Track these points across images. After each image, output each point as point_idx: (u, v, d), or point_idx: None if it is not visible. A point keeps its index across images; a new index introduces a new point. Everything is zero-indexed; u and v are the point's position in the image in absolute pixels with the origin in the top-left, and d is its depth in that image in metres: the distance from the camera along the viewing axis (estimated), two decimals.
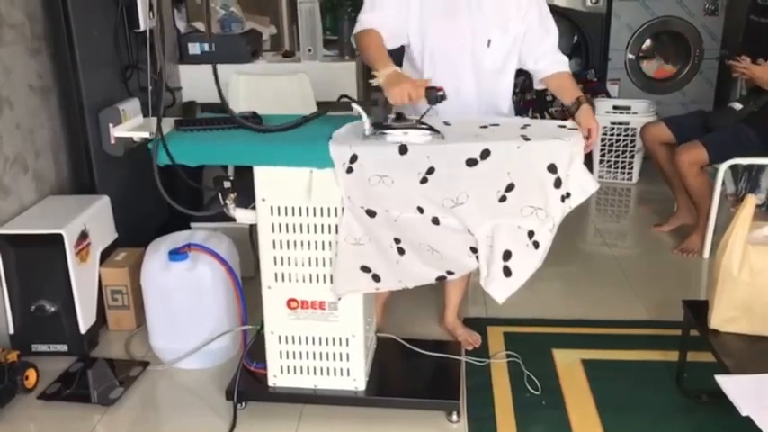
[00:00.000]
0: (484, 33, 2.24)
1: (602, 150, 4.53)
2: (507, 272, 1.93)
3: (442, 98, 2.00)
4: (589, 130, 2.06)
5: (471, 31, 2.23)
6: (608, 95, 4.94)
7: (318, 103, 3.73)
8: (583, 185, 1.94)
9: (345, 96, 2.06)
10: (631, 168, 4.53)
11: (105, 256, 2.76)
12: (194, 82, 4.00)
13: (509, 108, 2.41)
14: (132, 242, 2.87)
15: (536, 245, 1.92)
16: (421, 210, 1.91)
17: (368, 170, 1.89)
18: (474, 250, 1.95)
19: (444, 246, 1.95)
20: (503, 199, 1.89)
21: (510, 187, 1.88)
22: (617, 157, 4.53)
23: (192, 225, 2.95)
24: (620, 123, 4.48)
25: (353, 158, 1.89)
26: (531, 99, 5.06)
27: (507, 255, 1.92)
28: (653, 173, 4.00)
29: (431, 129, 1.94)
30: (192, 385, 2.41)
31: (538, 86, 2.40)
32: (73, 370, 2.47)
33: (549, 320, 2.78)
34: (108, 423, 2.22)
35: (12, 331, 2.53)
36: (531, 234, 1.91)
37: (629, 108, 4.54)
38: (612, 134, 4.49)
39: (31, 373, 2.35)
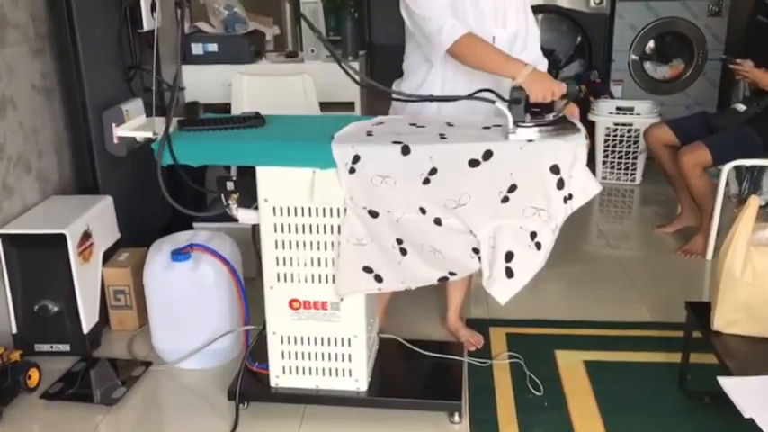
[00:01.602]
0: (488, 31, 2.24)
1: (605, 151, 4.52)
2: (509, 273, 1.93)
3: (580, 93, 1.99)
4: (572, 114, 2.09)
5: (476, 29, 2.21)
6: (611, 96, 4.93)
7: (321, 104, 3.75)
8: (585, 187, 1.93)
9: (489, 90, 1.95)
10: (634, 169, 4.52)
11: (108, 256, 2.76)
12: (197, 82, 4.00)
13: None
14: (135, 242, 2.87)
15: (538, 246, 1.92)
16: (423, 210, 1.91)
17: (370, 170, 1.89)
18: (476, 251, 1.95)
19: (446, 247, 1.95)
20: (505, 200, 1.89)
21: (512, 188, 1.88)
22: (620, 158, 4.52)
23: (195, 225, 2.96)
24: (623, 124, 4.47)
25: (356, 159, 1.89)
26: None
27: (509, 256, 1.92)
28: (656, 174, 4.00)
29: (568, 122, 1.96)
30: (195, 385, 2.41)
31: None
32: (75, 370, 2.47)
33: (552, 321, 2.78)
34: (110, 423, 2.22)
35: (15, 331, 2.54)
36: (533, 235, 1.91)
37: (632, 109, 4.53)
38: (616, 135, 4.48)
39: (34, 373, 2.35)
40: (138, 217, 3.06)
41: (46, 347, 2.55)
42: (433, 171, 1.88)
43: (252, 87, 3.64)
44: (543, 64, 2.38)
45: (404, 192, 1.90)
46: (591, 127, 4.44)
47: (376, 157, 1.89)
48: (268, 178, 2.01)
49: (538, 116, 1.97)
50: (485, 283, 1.96)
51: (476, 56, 2.12)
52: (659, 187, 4.17)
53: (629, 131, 4.45)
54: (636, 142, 4.42)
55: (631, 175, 4.54)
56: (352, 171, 1.90)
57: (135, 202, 3.07)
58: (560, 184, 1.87)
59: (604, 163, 4.55)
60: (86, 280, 2.58)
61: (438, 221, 1.92)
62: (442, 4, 2.16)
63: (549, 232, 1.91)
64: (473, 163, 1.87)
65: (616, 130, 4.48)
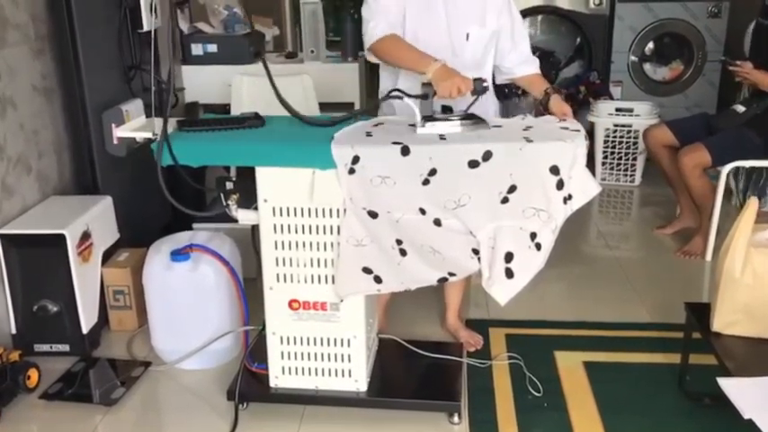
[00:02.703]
0: (462, 27, 2.29)
1: (604, 152, 4.53)
2: (509, 273, 1.93)
3: (486, 89, 2.09)
4: (561, 111, 2.20)
5: (448, 25, 2.29)
6: (611, 97, 4.94)
7: (321, 105, 3.75)
8: (585, 188, 1.93)
9: (397, 90, 2.09)
10: (634, 170, 4.52)
11: (107, 256, 2.76)
12: (197, 83, 4.01)
13: (493, 101, 2.47)
14: (134, 243, 2.87)
15: (538, 246, 1.92)
16: (423, 211, 1.91)
17: (370, 171, 1.89)
18: (476, 252, 1.95)
19: (446, 247, 1.95)
20: (505, 200, 1.89)
21: (512, 189, 1.88)
22: (619, 159, 4.52)
23: (195, 226, 2.96)
24: (622, 125, 4.47)
25: (356, 159, 1.89)
26: (533, 100, 5.07)
27: (509, 256, 1.92)
28: (655, 175, 4.01)
29: (476, 118, 2.03)
30: (194, 386, 2.41)
31: (500, 81, 2.50)
32: (75, 370, 2.47)
33: (551, 322, 2.78)
34: (110, 423, 2.22)
35: (14, 331, 2.54)
36: (533, 236, 1.91)
37: (631, 110, 4.54)
38: (615, 136, 4.48)
39: (33, 373, 2.35)
40: (137, 217, 3.06)
41: (45, 348, 2.55)
42: (433, 172, 1.88)
43: (251, 88, 3.64)
44: (534, 64, 2.42)
45: (403, 192, 1.90)
46: (591, 128, 4.46)
47: (376, 157, 1.89)
48: (268, 179, 2.01)
49: (447, 111, 2.06)
50: (484, 283, 1.96)
51: (391, 54, 2.22)
52: (658, 188, 4.18)
53: (628, 132, 4.45)
54: (635, 143, 4.43)
55: (631, 176, 4.54)
56: (351, 171, 1.90)
57: (134, 203, 3.07)
58: (560, 185, 1.88)
59: (604, 164, 4.56)
60: (86, 280, 2.58)
61: (438, 222, 1.92)
62: (388, 5, 2.22)
63: (548, 233, 1.91)
64: (473, 164, 1.87)
65: (615, 131, 4.48)
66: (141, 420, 2.26)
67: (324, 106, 3.81)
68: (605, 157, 4.54)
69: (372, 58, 2.32)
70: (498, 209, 1.90)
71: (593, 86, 5.02)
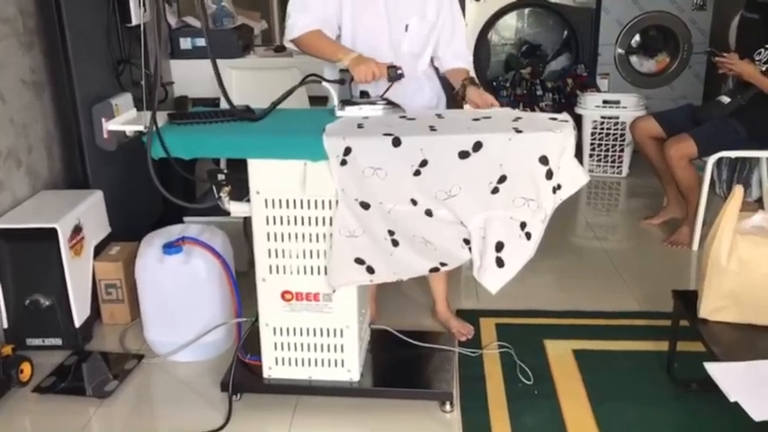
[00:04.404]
0: (402, 19, 2.37)
1: (591, 144, 4.57)
2: (500, 263, 1.95)
3: (401, 76, 2.23)
4: (484, 101, 2.26)
5: (388, 16, 2.36)
6: (598, 90, 4.97)
7: (311, 98, 3.75)
8: (574, 177, 1.96)
9: (314, 75, 2.24)
10: (621, 162, 4.57)
11: (99, 250, 2.77)
12: (186, 77, 3.99)
13: (436, 92, 2.54)
14: (126, 237, 2.87)
15: (528, 236, 1.94)
16: (414, 202, 1.93)
17: (362, 162, 1.91)
18: (467, 242, 1.97)
19: (437, 238, 1.97)
20: (495, 191, 1.91)
21: (502, 179, 1.90)
22: (607, 150, 4.57)
23: (186, 219, 2.97)
24: (609, 117, 4.51)
25: (347, 151, 1.91)
26: (521, 93, 5.10)
27: (500, 246, 1.94)
28: (642, 166, 4.05)
29: (390, 103, 2.17)
30: (187, 378, 2.42)
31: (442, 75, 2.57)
32: (68, 363, 2.47)
33: (541, 312, 2.81)
34: (103, 416, 2.23)
35: (6, 325, 2.54)
36: (523, 225, 1.93)
37: (618, 102, 4.58)
38: (602, 128, 4.52)
39: (26, 367, 2.35)
40: (128, 211, 3.06)
41: (37, 342, 2.55)
42: (424, 163, 1.89)
43: (241, 82, 3.64)
44: (464, 59, 2.49)
45: (395, 183, 1.91)
46: (578, 120, 4.49)
47: (367, 149, 1.91)
48: (260, 171, 2.02)
49: (365, 96, 2.20)
50: (476, 273, 1.98)
51: (311, 47, 2.34)
52: (646, 180, 4.23)
53: (615, 124, 4.50)
54: (622, 135, 4.47)
55: (618, 167, 4.59)
56: (343, 163, 1.92)
57: (125, 197, 3.07)
58: (549, 175, 1.90)
59: (591, 156, 4.60)
60: (78, 274, 2.58)
61: (429, 213, 1.94)
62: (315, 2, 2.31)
63: (538, 222, 1.93)
64: (463, 154, 1.89)
65: (603, 123, 4.53)
66: (135, 413, 2.27)
67: (314, 100, 3.82)
68: (593, 149, 4.58)
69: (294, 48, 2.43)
70: (489, 199, 1.91)
71: (581, 79, 5.05)
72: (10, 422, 2.20)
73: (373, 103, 2.18)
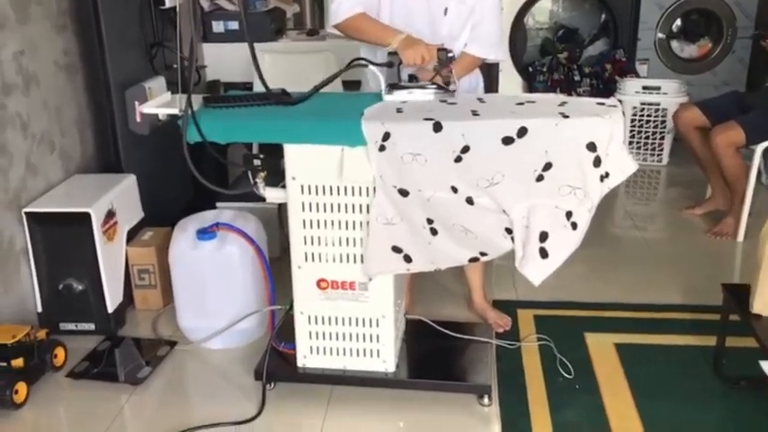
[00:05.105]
0: (441, 2, 2.32)
1: (631, 131, 4.44)
2: (544, 253, 1.88)
3: (452, 59, 2.14)
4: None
5: (428, 1, 2.31)
6: (637, 76, 4.84)
7: (344, 83, 3.69)
8: (622, 165, 1.88)
9: (360, 59, 2.17)
10: (661, 150, 4.44)
11: (132, 235, 2.75)
12: (218, 61, 3.96)
13: (474, 75, 2.47)
14: (158, 221, 2.85)
15: (574, 226, 1.86)
16: (455, 189, 1.87)
17: (401, 148, 1.84)
18: (509, 231, 1.90)
19: (478, 226, 1.91)
20: (540, 178, 1.83)
21: (547, 166, 1.82)
22: (647, 138, 4.44)
23: (218, 205, 2.94)
24: (650, 104, 4.38)
25: (386, 136, 1.84)
26: (558, 78, 4.99)
27: (544, 236, 1.87)
28: (683, 154, 3.92)
29: (441, 87, 2.08)
30: (220, 365, 2.39)
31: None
32: (101, 349, 2.46)
33: (580, 304, 2.73)
34: (135, 404, 2.21)
35: (40, 309, 2.53)
36: (569, 215, 1.86)
37: (659, 88, 4.44)
38: (642, 115, 4.39)
39: (60, 352, 2.34)
40: (161, 196, 3.04)
41: (71, 326, 2.54)
42: (466, 149, 1.83)
43: (274, 65, 3.59)
44: (486, 48, 2.38)
45: (435, 170, 1.85)
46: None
47: (407, 134, 1.85)
48: (296, 156, 1.97)
49: (414, 81, 2.13)
50: (518, 263, 1.91)
51: (357, 29, 2.28)
52: (686, 168, 4.11)
53: (656, 111, 4.37)
54: (663, 122, 4.34)
55: (658, 155, 4.46)
56: (382, 149, 1.86)
57: (158, 181, 3.05)
58: (597, 162, 1.82)
59: (631, 143, 4.47)
60: (111, 259, 2.56)
61: (470, 201, 1.87)
62: None
63: (585, 212, 1.86)
64: (507, 140, 1.81)
65: (643, 109, 4.40)
66: (167, 401, 2.24)
67: (347, 84, 3.77)
68: (632, 137, 4.45)
69: (337, 33, 2.36)
70: (533, 187, 1.84)
71: (619, 64, 4.93)
72: (43, 407, 2.19)
73: (423, 86, 2.09)
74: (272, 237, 2.73)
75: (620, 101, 4.27)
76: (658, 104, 4.35)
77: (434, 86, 2.09)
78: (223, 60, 3.93)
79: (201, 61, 3.93)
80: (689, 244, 3.36)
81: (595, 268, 3.08)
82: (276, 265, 2.46)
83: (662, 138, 4.40)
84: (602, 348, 2.43)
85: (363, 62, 2.18)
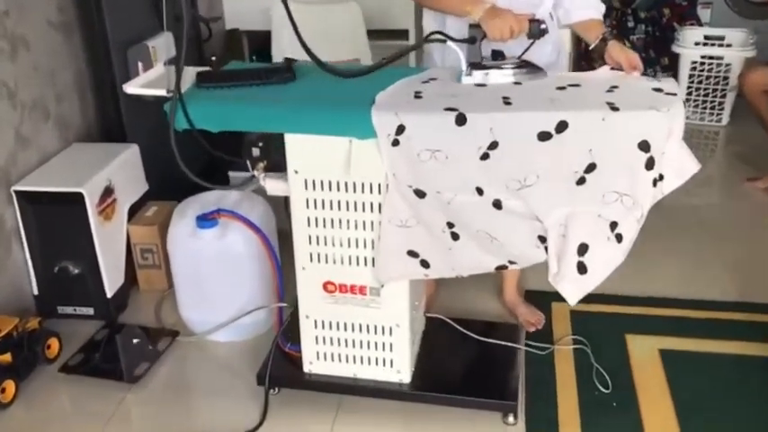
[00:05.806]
0: None
1: (689, 88, 4.03)
2: (582, 268, 1.62)
3: (545, 32, 1.81)
4: (628, 61, 1.78)
5: None
6: (698, 23, 4.38)
7: (369, 32, 3.39)
8: (680, 167, 1.59)
9: (438, 33, 1.82)
10: (722, 109, 4.03)
11: (135, 209, 2.55)
12: (237, 8, 3.70)
13: (557, 46, 2.12)
14: (165, 194, 2.64)
15: (619, 238, 1.59)
16: (480, 191, 1.60)
17: (417, 143, 1.57)
18: (542, 240, 1.64)
19: (507, 234, 1.65)
20: (581, 181, 1.56)
21: (591, 167, 1.54)
22: (705, 95, 4.03)
23: (231, 174, 2.71)
24: (711, 57, 3.96)
25: (400, 129, 1.57)
26: (609, 24, 4.56)
27: (583, 248, 1.60)
28: (746, 115, 3.53)
29: (526, 65, 1.77)
30: (223, 361, 2.22)
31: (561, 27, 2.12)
32: (98, 338, 2.29)
33: (623, 297, 2.45)
34: (133, 402, 2.05)
35: (36, 292, 2.37)
36: (613, 225, 1.58)
37: (722, 38, 4.01)
38: (703, 70, 3.97)
39: (54, 342, 2.19)
40: (168, 166, 2.79)
41: (69, 310, 2.39)
42: (494, 145, 1.55)
43: (296, 16, 3.29)
44: (596, 8, 1.99)
45: (457, 169, 1.58)
46: (674, 59, 3.97)
47: (424, 127, 1.57)
48: (298, 147, 1.71)
49: (498, 58, 1.84)
50: (551, 279, 1.67)
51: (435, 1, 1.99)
52: (749, 129, 3.69)
53: (718, 66, 3.94)
54: (726, 78, 3.92)
55: (718, 114, 4.06)
56: (395, 143, 1.59)
57: (165, 150, 2.80)
58: (650, 164, 1.53)
59: (688, 100, 4.07)
60: (109, 240, 2.37)
61: (498, 204, 1.60)
62: None
63: (632, 222, 1.58)
64: (543, 136, 1.53)
65: (703, 63, 3.97)
66: (164, 404, 2.06)
67: (374, 34, 3.46)
68: (689, 93, 4.05)
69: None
70: (573, 191, 1.57)
71: (679, 9, 4.47)
72: (32, 406, 2.04)
73: (512, 66, 1.76)
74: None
75: (677, 53, 3.95)
76: (721, 58, 3.92)
77: (514, 65, 1.77)
78: (242, 9, 3.68)
79: (219, 11, 3.66)
80: (749, 223, 3.02)
81: (640, 252, 2.77)
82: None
83: (723, 95, 3.99)
84: (644, 356, 2.17)
85: (442, 36, 1.82)
